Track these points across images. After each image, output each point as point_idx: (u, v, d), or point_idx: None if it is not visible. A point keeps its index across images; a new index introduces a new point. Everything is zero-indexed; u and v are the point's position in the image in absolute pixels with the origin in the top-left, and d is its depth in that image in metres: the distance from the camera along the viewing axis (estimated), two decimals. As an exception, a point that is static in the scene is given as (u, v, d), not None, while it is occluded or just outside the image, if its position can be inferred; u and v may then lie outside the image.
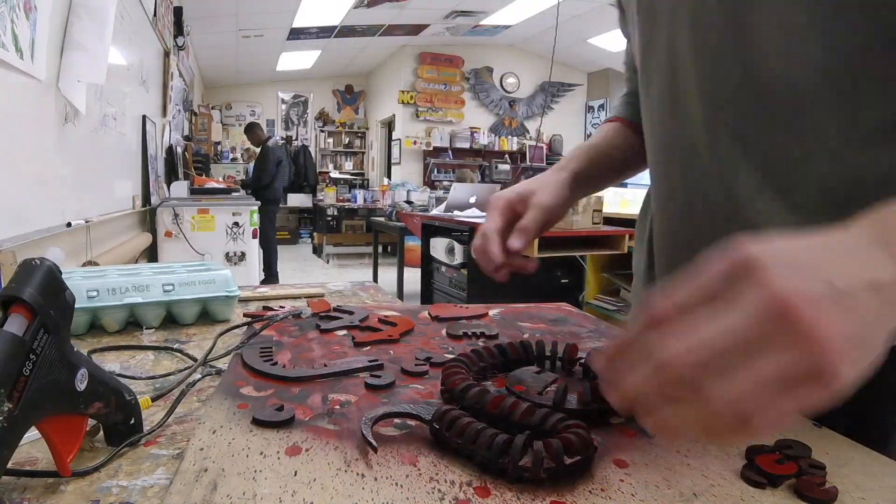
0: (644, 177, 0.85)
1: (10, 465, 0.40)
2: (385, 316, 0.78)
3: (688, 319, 0.27)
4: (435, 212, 4.62)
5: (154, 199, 3.70)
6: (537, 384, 0.52)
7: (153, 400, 0.51)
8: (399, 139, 8.95)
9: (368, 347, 0.66)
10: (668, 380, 0.27)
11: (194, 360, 0.64)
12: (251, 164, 9.75)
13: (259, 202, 4.21)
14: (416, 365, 0.59)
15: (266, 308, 0.85)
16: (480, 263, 0.67)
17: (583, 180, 0.74)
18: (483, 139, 9.14)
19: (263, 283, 5.28)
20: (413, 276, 4.55)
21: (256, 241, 3.81)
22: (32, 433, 0.42)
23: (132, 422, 0.46)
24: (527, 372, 0.56)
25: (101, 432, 0.45)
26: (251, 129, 6.28)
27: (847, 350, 0.25)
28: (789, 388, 0.25)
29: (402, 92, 8.80)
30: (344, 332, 0.72)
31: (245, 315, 0.82)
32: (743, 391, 0.25)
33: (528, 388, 0.51)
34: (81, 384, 0.41)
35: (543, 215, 0.67)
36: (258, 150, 6.14)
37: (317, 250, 8.48)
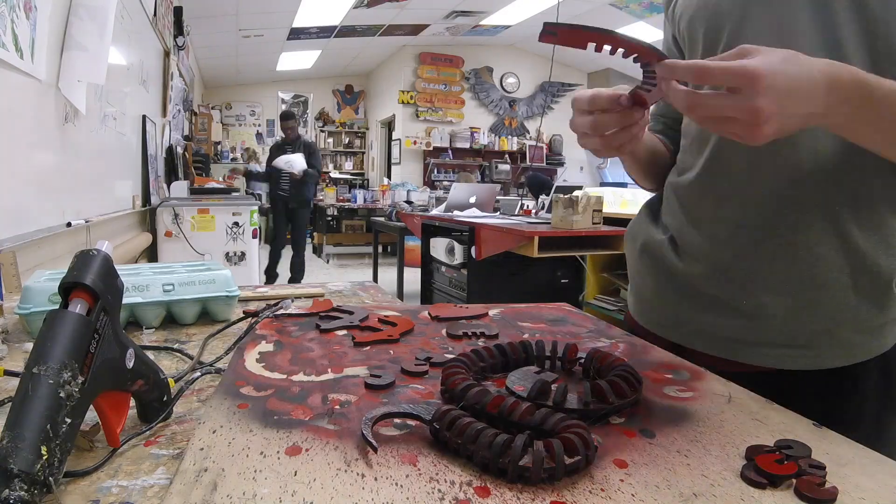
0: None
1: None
2: (385, 316, 0.78)
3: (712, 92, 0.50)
4: (435, 212, 4.63)
5: (154, 199, 3.70)
6: (537, 384, 0.52)
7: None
8: (399, 139, 8.95)
9: (368, 347, 0.66)
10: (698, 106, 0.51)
11: (200, 363, 0.64)
12: (251, 164, 9.77)
13: (296, 203, 4.04)
14: (416, 365, 0.59)
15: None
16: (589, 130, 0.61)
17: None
18: (483, 139, 9.14)
19: (292, 281, 5.29)
20: (413, 276, 4.55)
21: (256, 240, 3.81)
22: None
23: (164, 399, 0.49)
24: (527, 372, 0.56)
25: (101, 432, 0.45)
26: (292, 119, 5.42)
27: (769, 135, 0.49)
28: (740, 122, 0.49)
29: (402, 92, 8.80)
30: (344, 332, 0.72)
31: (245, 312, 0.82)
32: (725, 116, 0.49)
33: (528, 388, 0.51)
34: (130, 362, 0.45)
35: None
36: (288, 144, 5.35)
37: (317, 250, 8.48)
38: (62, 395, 0.36)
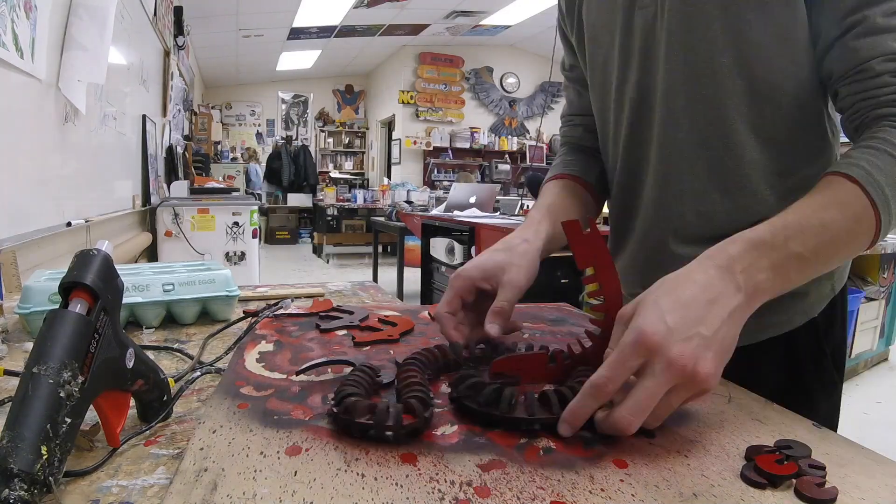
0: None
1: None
2: (385, 316, 0.78)
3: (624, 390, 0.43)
4: (435, 212, 4.63)
5: (154, 199, 3.70)
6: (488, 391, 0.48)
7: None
8: (399, 139, 8.96)
9: (368, 347, 0.66)
10: (618, 429, 0.43)
11: (200, 363, 0.64)
12: (251, 165, 9.77)
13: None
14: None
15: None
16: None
17: (550, 246, 0.71)
18: (483, 139, 9.14)
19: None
20: (413, 276, 4.55)
21: (256, 240, 3.81)
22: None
23: (164, 398, 0.49)
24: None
25: (101, 432, 0.45)
26: None
27: (715, 371, 0.43)
28: (690, 398, 0.44)
29: (402, 92, 8.80)
30: (344, 331, 0.72)
31: (245, 311, 0.82)
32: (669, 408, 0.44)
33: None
34: (130, 362, 0.45)
35: (517, 295, 0.62)
36: None
37: (317, 250, 8.48)
38: (62, 394, 0.36)
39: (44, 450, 0.34)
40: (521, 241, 0.68)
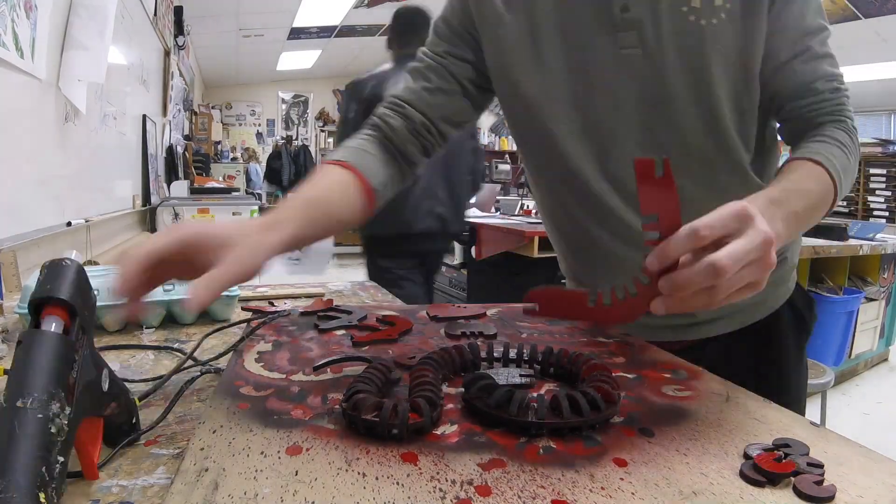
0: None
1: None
2: (383, 315, 0.78)
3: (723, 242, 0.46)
4: (435, 211, 4.61)
5: (154, 199, 3.70)
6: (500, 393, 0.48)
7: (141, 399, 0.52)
8: (399, 139, 8.95)
9: (367, 347, 0.66)
10: (708, 273, 0.45)
11: (195, 360, 0.64)
12: (251, 165, 9.77)
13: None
14: (409, 358, 0.60)
15: (270, 303, 0.86)
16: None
17: (294, 244, 0.58)
18: (483, 139, 9.14)
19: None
20: (413, 276, 4.54)
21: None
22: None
23: (133, 420, 0.46)
24: (510, 373, 0.56)
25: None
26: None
27: (773, 266, 0.48)
28: (759, 266, 0.48)
29: (402, 92, 8.79)
30: (342, 331, 0.72)
31: (244, 309, 0.82)
32: (743, 275, 0.47)
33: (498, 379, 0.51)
34: (105, 384, 0.40)
35: (238, 279, 0.50)
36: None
37: (317, 250, 8.47)
38: (52, 430, 0.32)
39: (42, 497, 0.30)
40: (263, 228, 0.55)
